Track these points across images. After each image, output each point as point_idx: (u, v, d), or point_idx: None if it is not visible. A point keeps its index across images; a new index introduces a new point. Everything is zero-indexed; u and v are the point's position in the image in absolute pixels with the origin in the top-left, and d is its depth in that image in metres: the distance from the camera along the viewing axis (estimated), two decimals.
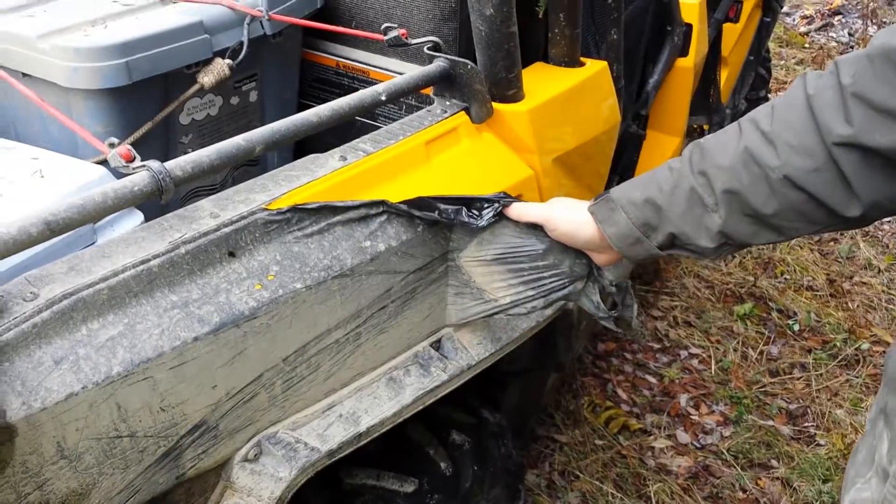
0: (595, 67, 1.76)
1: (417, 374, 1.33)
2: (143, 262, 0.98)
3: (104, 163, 1.24)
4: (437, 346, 1.40)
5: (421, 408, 1.32)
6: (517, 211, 1.29)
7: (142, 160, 1.02)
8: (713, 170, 1.08)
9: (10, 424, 0.85)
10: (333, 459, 1.18)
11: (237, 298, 1.05)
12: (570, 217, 1.25)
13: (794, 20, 6.52)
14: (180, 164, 1.03)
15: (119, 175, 1.07)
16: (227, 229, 1.07)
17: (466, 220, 1.27)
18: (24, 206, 1.08)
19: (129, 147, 1.00)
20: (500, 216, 1.30)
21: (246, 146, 1.10)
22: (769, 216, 1.05)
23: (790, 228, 1.07)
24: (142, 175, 0.99)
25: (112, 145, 1.01)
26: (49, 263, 0.97)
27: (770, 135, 1.03)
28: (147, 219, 1.17)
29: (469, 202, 1.28)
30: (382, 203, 1.23)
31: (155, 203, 1.04)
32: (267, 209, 1.12)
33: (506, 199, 1.30)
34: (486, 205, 1.28)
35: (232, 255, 1.07)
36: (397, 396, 1.28)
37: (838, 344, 3.17)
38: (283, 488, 1.11)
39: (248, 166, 1.72)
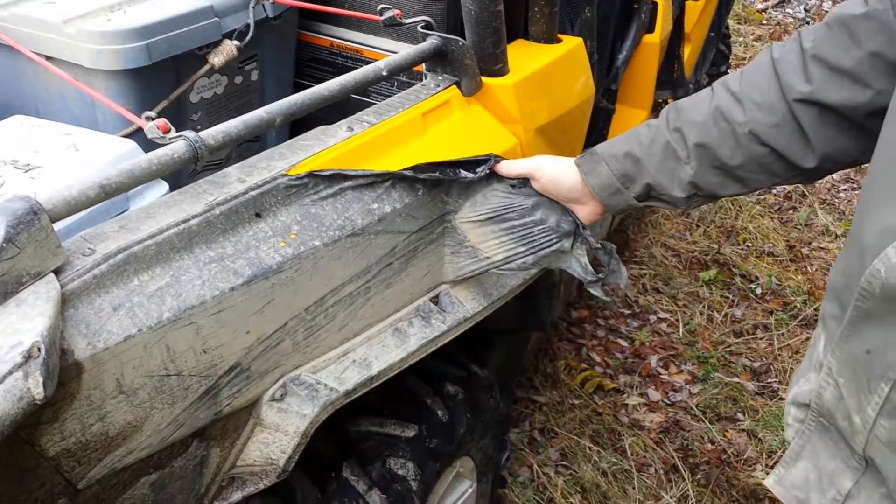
0: (571, 43, 1.89)
1: (420, 325, 1.46)
2: (183, 221, 1.10)
3: (130, 137, 1.35)
4: (435, 300, 1.53)
5: (423, 355, 1.45)
6: (506, 167, 1.43)
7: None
8: (687, 126, 1.22)
9: (78, 361, 0.97)
10: (349, 399, 1.31)
11: (265, 254, 1.17)
12: (556, 166, 1.38)
13: None
14: (212, 133, 1.15)
15: (150, 147, 1.18)
16: (253, 193, 1.19)
17: (463, 175, 1.40)
18: (65, 177, 1.19)
19: (166, 120, 1.11)
20: (493, 173, 1.42)
21: (268, 118, 1.22)
22: (735, 168, 1.20)
23: (753, 180, 1.21)
24: (180, 144, 1.11)
25: (149, 118, 1.12)
26: (101, 223, 1.08)
27: (738, 94, 1.17)
28: None
29: (465, 163, 1.42)
30: (389, 174, 1.35)
31: None
32: (287, 175, 1.24)
33: (496, 157, 1.44)
34: (480, 164, 1.42)
35: (258, 215, 1.19)
36: (403, 345, 1.41)
37: (798, 305, 3.36)
38: (307, 424, 1.24)
39: (250, 143, 1.83)
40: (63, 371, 0.95)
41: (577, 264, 1.45)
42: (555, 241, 1.43)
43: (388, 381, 1.42)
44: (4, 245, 0.91)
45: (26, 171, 1.19)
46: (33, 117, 1.37)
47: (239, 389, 1.18)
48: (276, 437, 1.25)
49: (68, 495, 1.04)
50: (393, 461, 1.63)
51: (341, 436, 1.66)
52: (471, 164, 1.42)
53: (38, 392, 0.86)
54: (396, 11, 1.57)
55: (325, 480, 1.57)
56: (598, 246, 1.44)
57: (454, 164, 1.41)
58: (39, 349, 0.87)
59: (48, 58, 1.51)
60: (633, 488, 2.51)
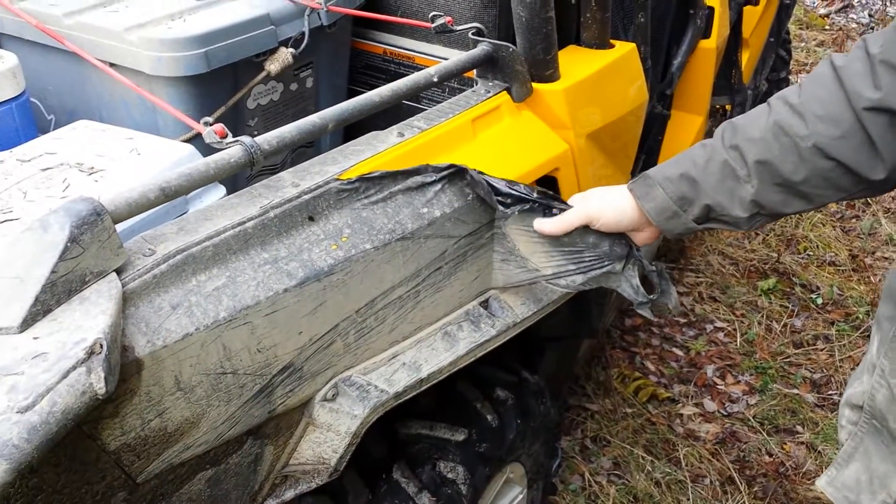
0: (624, 49, 1.89)
1: (469, 329, 1.47)
2: (240, 224, 1.13)
3: (189, 141, 1.40)
4: (485, 305, 1.53)
5: (473, 359, 1.46)
6: (557, 226, 1.34)
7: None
8: (745, 143, 1.17)
9: (138, 358, 1.00)
10: (399, 401, 1.33)
11: (317, 256, 1.20)
12: (611, 204, 1.32)
13: (813, 2, 6.57)
14: (267, 138, 1.18)
15: (209, 151, 1.21)
16: (306, 196, 1.22)
17: (497, 205, 1.38)
18: (127, 180, 1.23)
19: (223, 125, 1.15)
20: (531, 210, 1.37)
21: (321, 123, 1.25)
22: (798, 184, 1.14)
23: (819, 196, 1.16)
24: (236, 149, 1.14)
25: (207, 124, 1.15)
26: (161, 225, 1.12)
27: (798, 107, 1.13)
28: None
29: (505, 193, 1.36)
30: (428, 167, 1.35)
31: None
32: (339, 179, 1.26)
33: (538, 199, 1.37)
34: (517, 195, 1.37)
35: (311, 219, 1.22)
36: (452, 348, 1.42)
37: (861, 316, 3.26)
38: (358, 424, 1.26)
39: (304, 148, 1.87)
40: (124, 367, 0.98)
41: (628, 285, 1.42)
42: (606, 263, 1.40)
43: (438, 385, 1.43)
44: (69, 245, 0.95)
45: (90, 173, 1.24)
46: (97, 122, 1.43)
47: (292, 389, 1.21)
48: (328, 437, 1.27)
49: (127, 489, 1.07)
50: (443, 464, 1.64)
51: (392, 438, 1.68)
52: (510, 197, 1.37)
53: (99, 387, 0.89)
54: (448, 18, 1.58)
55: (376, 482, 1.59)
56: (653, 268, 1.41)
57: (495, 189, 1.37)
58: (102, 346, 0.91)
59: (111, 64, 1.57)
60: (688, 499, 2.47)
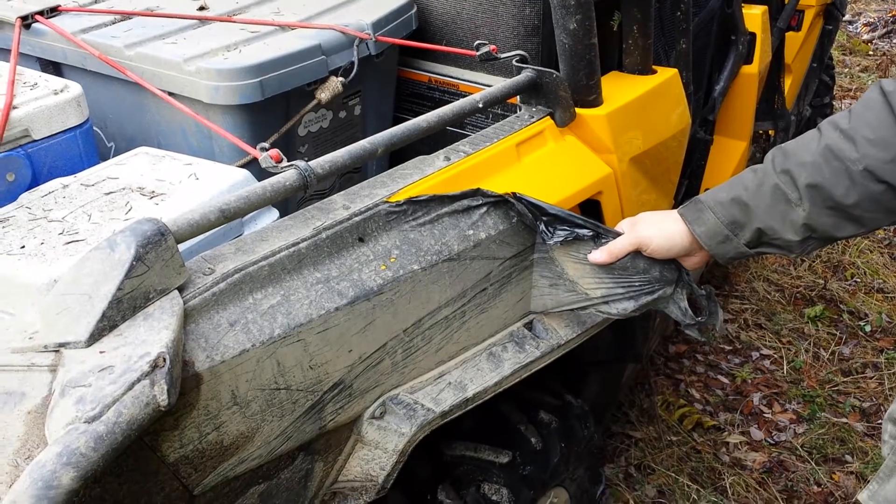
0: (666, 74, 1.91)
1: (514, 350, 1.48)
2: (294, 245, 1.17)
3: (244, 167, 1.45)
4: (529, 326, 1.55)
5: (517, 380, 1.47)
6: (609, 254, 1.36)
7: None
8: (796, 167, 1.19)
9: (197, 373, 1.04)
10: (445, 420, 1.35)
11: (367, 276, 1.23)
12: (662, 230, 1.34)
13: (856, 28, 6.51)
14: (320, 163, 1.23)
15: (262, 176, 1.26)
16: (357, 218, 1.26)
17: (540, 231, 1.41)
18: (187, 203, 1.29)
19: (278, 150, 1.19)
20: (575, 240, 1.39)
21: (371, 148, 1.29)
22: (850, 207, 1.16)
23: (871, 219, 1.17)
24: (291, 173, 1.19)
25: (264, 149, 1.20)
26: (219, 245, 1.16)
27: (849, 132, 1.15)
28: None
29: (554, 216, 1.39)
30: (479, 192, 1.38)
31: None
32: (388, 202, 1.30)
33: (582, 231, 1.38)
34: (561, 227, 1.39)
35: (361, 240, 1.26)
36: (497, 369, 1.44)
37: None
38: (405, 442, 1.28)
39: (352, 174, 1.92)
40: (184, 381, 1.02)
41: (677, 308, 1.42)
42: (657, 288, 1.41)
43: (482, 407, 1.45)
44: (135, 263, 1.00)
45: (151, 197, 1.29)
46: (156, 149, 1.49)
47: (342, 406, 1.24)
48: (376, 454, 1.30)
49: (185, 500, 1.10)
50: (487, 486, 1.65)
51: (437, 459, 1.69)
52: (558, 221, 1.39)
53: (162, 399, 0.93)
54: (492, 47, 1.62)
55: (421, 503, 1.60)
56: (702, 292, 1.42)
57: (542, 211, 1.39)
58: (165, 359, 0.95)
59: (170, 93, 1.64)
60: None
